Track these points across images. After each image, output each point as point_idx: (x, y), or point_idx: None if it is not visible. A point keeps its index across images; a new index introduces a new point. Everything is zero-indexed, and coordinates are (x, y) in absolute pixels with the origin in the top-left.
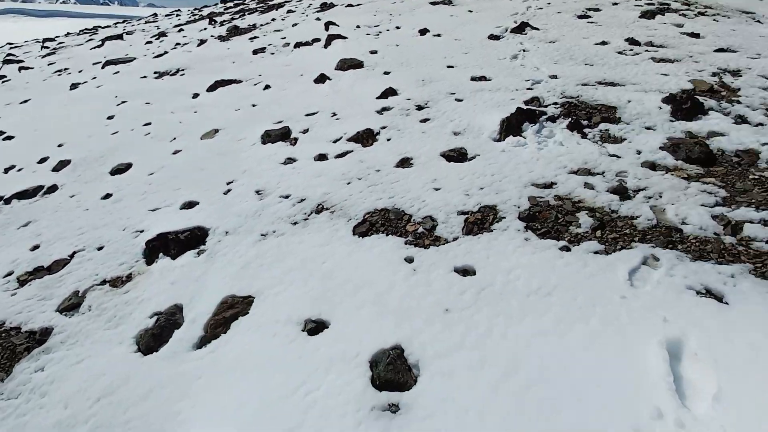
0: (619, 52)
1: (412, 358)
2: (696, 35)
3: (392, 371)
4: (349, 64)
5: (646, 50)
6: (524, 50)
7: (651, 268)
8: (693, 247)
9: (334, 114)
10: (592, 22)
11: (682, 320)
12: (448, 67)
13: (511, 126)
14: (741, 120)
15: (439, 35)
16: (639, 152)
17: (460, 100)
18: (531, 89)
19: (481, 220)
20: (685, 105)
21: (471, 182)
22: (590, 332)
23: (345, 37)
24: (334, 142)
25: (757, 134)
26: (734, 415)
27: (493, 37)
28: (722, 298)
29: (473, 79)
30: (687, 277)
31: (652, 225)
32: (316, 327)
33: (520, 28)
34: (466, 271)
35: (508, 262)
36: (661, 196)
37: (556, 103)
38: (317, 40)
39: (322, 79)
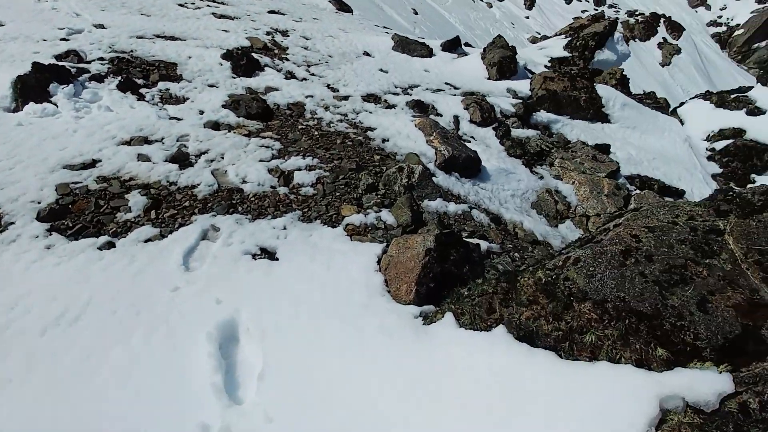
0: (181, 5)
1: None
2: None
3: None
4: None
5: (208, 5)
6: None
7: (211, 240)
8: (253, 205)
9: None
10: None
11: (236, 295)
12: None
13: (31, 88)
14: (290, 75)
15: None
16: (202, 112)
17: None
18: (67, 40)
19: None
20: (242, 61)
21: None
22: (129, 358)
23: None
24: None
25: (302, 88)
26: (276, 393)
27: None
28: (275, 253)
29: None
30: (244, 241)
31: (214, 191)
32: None
33: None
34: None
35: (14, 290)
36: (223, 158)
37: (103, 59)
38: None
39: None
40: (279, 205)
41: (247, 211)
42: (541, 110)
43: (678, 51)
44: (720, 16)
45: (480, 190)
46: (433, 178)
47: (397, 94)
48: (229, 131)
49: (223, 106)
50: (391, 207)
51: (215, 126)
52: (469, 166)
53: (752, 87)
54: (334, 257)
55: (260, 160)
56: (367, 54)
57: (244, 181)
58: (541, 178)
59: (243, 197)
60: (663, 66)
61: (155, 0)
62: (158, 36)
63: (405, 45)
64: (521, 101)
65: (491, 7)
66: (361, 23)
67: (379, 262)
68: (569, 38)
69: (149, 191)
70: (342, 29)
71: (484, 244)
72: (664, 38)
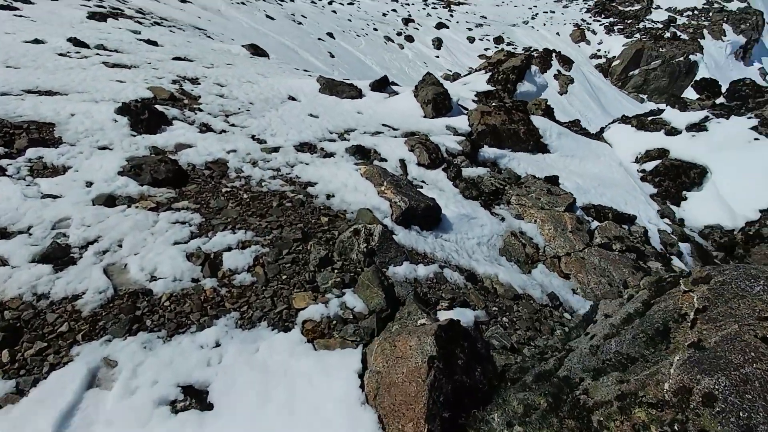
0: (62, 54)
1: None
2: (154, 43)
3: None
4: None
5: (98, 54)
6: None
7: (103, 388)
8: (168, 314)
9: None
10: (21, 16)
11: None
12: None
13: None
14: (206, 128)
15: None
16: (90, 184)
17: None
18: None
19: None
20: (143, 115)
21: None
22: None
23: None
24: None
25: (222, 142)
26: None
27: None
28: (207, 394)
29: None
30: (158, 380)
31: (109, 299)
32: None
33: None
34: None
35: None
36: (121, 246)
37: None
38: None
39: None
40: (206, 308)
41: (160, 324)
42: (485, 146)
43: (572, 81)
44: (599, 50)
45: (445, 243)
46: (394, 237)
47: (334, 141)
48: (130, 206)
49: (120, 173)
50: (354, 285)
51: (109, 201)
52: (429, 216)
53: (664, 110)
54: (297, 387)
55: (175, 243)
56: (292, 98)
57: (153, 278)
58: (503, 219)
59: (153, 303)
60: (561, 95)
61: (27, 50)
62: (29, 91)
63: (332, 87)
64: (465, 138)
65: (403, 48)
66: (280, 67)
67: (362, 384)
68: (490, 73)
69: (1, 316)
70: (261, 74)
71: (469, 313)
72: (558, 70)
